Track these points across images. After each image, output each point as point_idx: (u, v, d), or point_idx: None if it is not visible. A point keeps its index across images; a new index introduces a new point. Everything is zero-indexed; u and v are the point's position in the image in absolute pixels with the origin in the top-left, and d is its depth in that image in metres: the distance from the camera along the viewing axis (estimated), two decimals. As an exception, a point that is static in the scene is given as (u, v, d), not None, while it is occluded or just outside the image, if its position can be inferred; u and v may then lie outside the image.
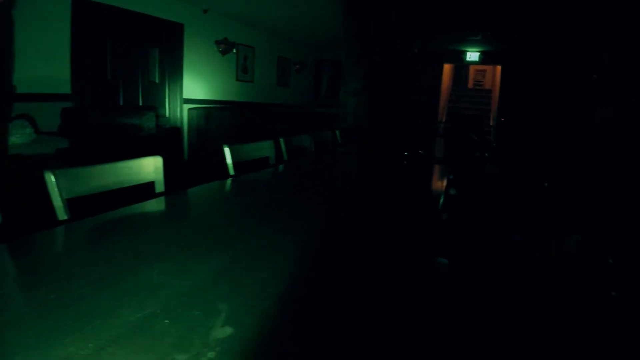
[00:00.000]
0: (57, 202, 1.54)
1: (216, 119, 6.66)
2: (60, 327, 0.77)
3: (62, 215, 1.54)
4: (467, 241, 1.61)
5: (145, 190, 1.88)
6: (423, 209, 1.85)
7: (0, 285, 0.96)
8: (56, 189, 1.54)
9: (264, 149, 2.72)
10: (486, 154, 3.58)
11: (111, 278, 0.96)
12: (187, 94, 6.84)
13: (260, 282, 0.96)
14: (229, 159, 2.34)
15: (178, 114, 6.65)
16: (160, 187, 1.90)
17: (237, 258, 1.09)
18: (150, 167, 1.89)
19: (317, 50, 11.10)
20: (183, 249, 1.15)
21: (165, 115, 6.40)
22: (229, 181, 2.13)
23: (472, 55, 12.02)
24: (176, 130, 6.59)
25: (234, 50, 7.80)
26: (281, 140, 3.03)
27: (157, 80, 6.25)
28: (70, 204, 1.57)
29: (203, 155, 6.48)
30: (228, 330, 0.78)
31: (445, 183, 2.57)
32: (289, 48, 10.01)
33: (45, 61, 4.95)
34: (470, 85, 18.18)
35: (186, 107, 6.84)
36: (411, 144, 4.79)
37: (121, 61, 5.72)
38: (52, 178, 1.54)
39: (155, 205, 1.66)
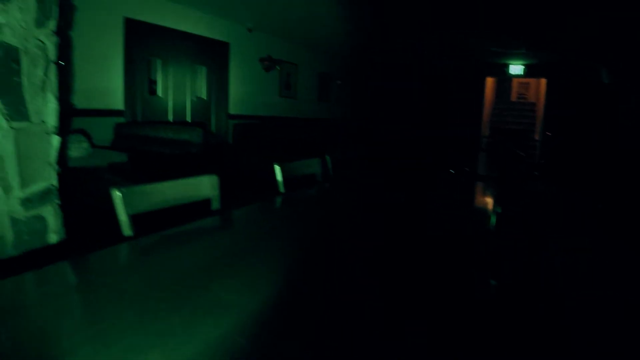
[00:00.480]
0: (123, 218, 1.62)
1: (260, 134, 6.81)
2: (142, 344, 0.81)
3: (127, 231, 1.61)
4: (516, 262, 1.59)
5: (201, 206, 1.95)
6: (472, 227, 1.83)
7: (77, 301, 1.02)
8: (122, 206, 1.62)
9: (311, 165, 2.76)
10: (535, 172, 3.51)
11: (184, 295, 1.01)
12: (232, 110, 7.03)
13: (335, 306, 0.98)
14: (279, 177, 2.40)
15: (224, 128, 6.84)
16: (216, 205, 1.97)
17: (305, 279, 1.13)
18: (207, 185, 1.96)
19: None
20: (250, 267, 1.19)
21: (211, 130, 6.59)
22: (282, 199, 2.18)
23: (516, 68, 11.79)
24: (222, 145, 6.76)
25: (277, 67, 7.97)
26: (327, 157, 3.07)
27: (204, 97, 6.47)
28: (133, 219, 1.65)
29: (248, 169, 6.61)
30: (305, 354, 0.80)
31: (493, 201, 2.54)
32: (330, 63, 10.13)
33: (100, 78, 5.22)
34: (513, 98, 17.79)
35: (231, 122, 7.03)
36: (456, 160, 4.75)
37: (171, 78, 5.95)
38: (119, 195, 1.62)
39: (216, 222, 1.73)
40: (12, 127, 1.94)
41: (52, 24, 2.20)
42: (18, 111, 1.97)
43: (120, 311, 0.93)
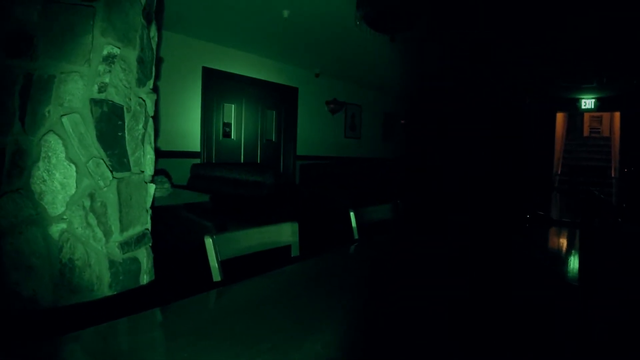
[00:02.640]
0: (214, 263, 1.74)
1: (326, 175, 6.95)
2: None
3: (216, 276, 1.72)
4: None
5: (281, 253, 2.04)
6: (554, 283, 1.78)
7: (171, 351, 1.10)
8: (213, 252, 1.74)
9: (384, 211, 2.80)
10: (619, 219, 3.33)
11: (281, 348, 1.07)
12: (299, 151, 7.26)
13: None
14: (354, 223, 2.46)
15: (291, 169, 7.06)
16: (295, 251, 2.05)
17: (396, 334, 1.16)
18: (288, 231, 2.06)
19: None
20: (341, 320, 1.24)
21: (280, 171, 6.83)
22: (357, 246, 2.23)
23: (588, 103, 11.33)
24: (291, 186, 6.96)
25: (343, 109, 8.17)
26: (398, 202, 3.10)
27: (273, 139, 6.74)
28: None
29: (316, 209, 6.74)
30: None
31: (576, 249, 2.44)
32: (394, 103, 10.24)
33: (180, 122, 5.60)
34: (586, 133, 17.02)
35: (299, 162, 7.24)
36: (528, 201, 4.60)
37: (243, 122, 6.27)
38: (211, 242, 1.74)
39: (300, 269, 1.80)
40: (115, 177, 2.14)
41: (150, 83, 2.44)
42: (121, 163, 2.18)
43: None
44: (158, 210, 4.62)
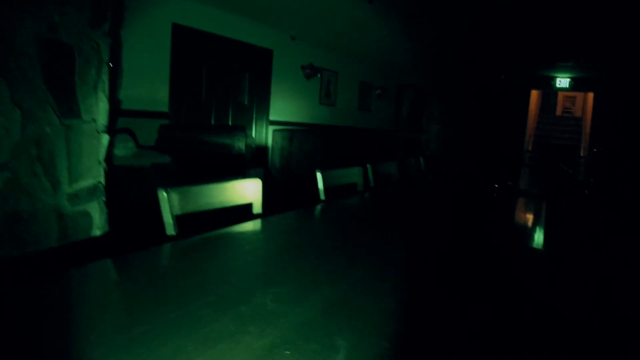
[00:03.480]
0: (168, 218, 1.63)
1: (299, 141, 6.83)
2: (186, 349, 0.79)
3: (170, 230, 1.62)
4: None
5: (242, 211, 1.95)
6: (517, 246, 1.75)
7: (117, 302, 1.02)
8: (167, 206, 1.63)
9: (352, 175, 2.73)
10: (585, 191, 3.35)
11: (228, 300, 0.99)
12: (272, 116, 7.09)
13: (379, 316, 0.94)
14: (320, 184, 2.37)
15: (264, 134, 6.90)
16: (258, 209, 1.96)
17: (349, 289, 1.09)
18: (251, 189, 1.96)
19: (399, 75, 11.08)
20: (295, 275, 1.16)
21: (252, 135, 6.66)
22: (323, 206, 2.15)
23: (562, 82, 11.42)
24: (262, 150, 6.82)
25: (318, 75, 7.99)
26: (369, 166, 3.03)
27: (246, 102, 6.54)
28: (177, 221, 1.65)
29: (286, 175, 6.64)
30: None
31: (541, 219, 2.43)
32: (370, 73, 10.08)
33: (147, 80, 5.36)
34: (558, 112, 17.27)
35: (271, 128, 7.08)
36: (498, 174, 4.61)
37: (214, 83, 6.04)
38: (165, 195, 1.63)
39: (258, 226, 1.71)
40: (63, 124, 1.99)
41: (106, 26, 2.26)
42: (70, 109, 2.02)
43: (164, 314, 0.92)
44: (122, 170, 4.47)
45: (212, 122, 6.05)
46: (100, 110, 2.19)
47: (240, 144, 4.76)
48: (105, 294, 1.06)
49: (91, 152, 2.10)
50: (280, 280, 1.13)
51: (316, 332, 0.87)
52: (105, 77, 2.25)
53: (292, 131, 7.01)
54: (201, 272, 1.18)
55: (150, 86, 5.42)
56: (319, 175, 2.38)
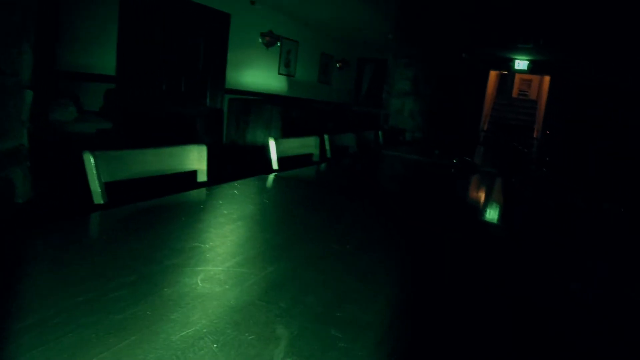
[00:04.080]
0: (95, 186, 1.43)
1: (256, 111, 6.59)
2: (90, 340, 0.64)
3: (98, 199, 1.43)
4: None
5: (187, 178, 1.77)
6: (472, 218, 1.67)
7: (20, 282, 0.84)
8: (94, 172, 1.43)
9: (309, 145, 2.58)
10: (544, 169, 3.35)
11: (151, 280, 0.84)
12: (228, 84, 6.79)
13: (329, 297, 0.81)
14: (274, 153, 2.22)
15: (218, 102, 6.60)
16: (202, 177, 1.79)
17: (297, 266, 0.95)
18: (195, 155, 1.78)
19: (361, 49, 10.91)
20: (235, 251, 1.02)
21: (206, 103, 6.35)
22: (275, 176, 1.99)
23: (521, 64, 11.58)
24: (216, 118, 6.53)
25: (278, 44, 7.71)
26: (326, 137, 2.89)
27: (200, 68, 6.21)
28: (109, 188, 1.47)
29: (241, 145, 6.42)
30: (289, 364, 0.63)
31: (497, 194, 2.38)
32: (332, 45, 9.86)
33: (93, 42, 4.96)
34: (514, 94, 17.66)
35: (227, 96, 6.79)
36: (456, 151, 4.58)
37: (166, 47, 5.69)
38: (92, 160, 1.43)
39: (200, 196, 1.55)
40: (-22, 77, 1.73)
41: (32, -34, 1.98)
42: (-14, 59, 1.76)
43: (71, 296, 0.75)
44: (62, 135, 4.14)
45: (163, 88, 5.71)
46: (25, 62, 1.93)
47: (191, 111, 4.50)
48: (5, 272, 0.87)
49: (11, 110, 1.85)
50: (218, 256, 0.98)
51: (253, 318, 0.73)
52: (31, 26, 1.98)
53: (248, 100, 6.76)
54: (125, 247, 1.01)
55: (96, 48, 5.03)
56: (272, 144, 2.21)
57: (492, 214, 1.86)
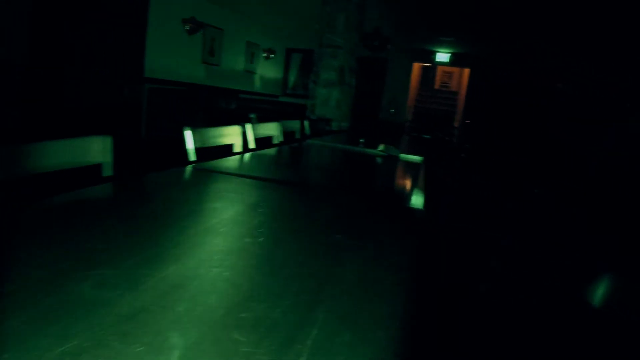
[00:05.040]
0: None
1: (177, 101, 6.32)
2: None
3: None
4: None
5: (93, 172, 1.63)
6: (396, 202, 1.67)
7: None
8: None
9: (229, 135, 2.48)
10: (462, 155, 3.48)
11: (30, 289, 0.73)
12: (148, 73, 6.44)
13: (236, 297, 0.75)
14: (189, 144, 2.10)
15: (136, 92, 6.25)
16: (108, 171, 1.65)
17: (201, 264, 0.88)
18: (98, 147, 1.63)
19: (288, 39, 10.82)
20: (130, 252, 0.92)
21: (122, 93, 5.99)
22: (191, 168, 1.89)
23: (443, 57, 12.04)
24: (133, 109, 6.19)
25: (202, 31, 7.43)
26: (248, 126, 2.80)
27: (115, 55, 5.83)
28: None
29: (161, 136, 6.13)
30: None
31: (421, 179, 2.43)
32: (259, 34, 9.69)
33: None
34: (437, 86, 18.35)
35: (147, 86, 6.45)
36: (382, 140, 4.66)
37: (78, 31, 5.28)
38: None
39: (102, 191, 1.42)
40: None
41: None
42: None
43: None
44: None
45: (73, 75, 5.31)
46: None
47: (109, 101, 4.22)
48: None
49: None
50: (113, 257, 0.88)
51: (145, 327, 0.66)
52: None
53: (170, 90, 6.46)
54: (6, 252, 0.89)
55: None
56: (187, 134, 2.10)
57: (411, 198, 1.88)
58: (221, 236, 1.05)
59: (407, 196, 2.02)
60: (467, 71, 12.76)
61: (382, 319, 0.74)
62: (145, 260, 0.88)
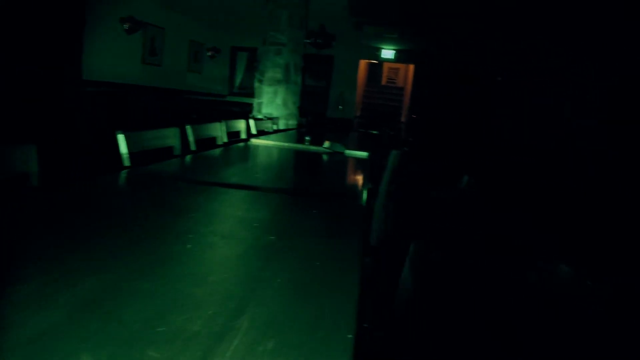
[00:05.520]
0: None
1: (117, 104, 6.09)
2: None
3: None
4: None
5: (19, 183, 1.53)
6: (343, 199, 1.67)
7: None
8: None
9: (167, 137, 2.40)
10: (405, 148, 3.54)
11: None
12: (86, 75, 6.17)
13: (146, 318, 0.71)
14: (123, 148, 2.02)
15: (75, 95, 5.97)
16: (34, 181, 1.55)
17: (122, 277, 0.83)
18: (21, 156, 1.53)
19: (234, 37, 10.66)
20: (41, 269, 0.86)
21: (60, 95, 5.70)
22: (124, 173, 1.81)
23: (388, 53, 12.23)
24: (73, 112, 5.91)
25: (141, 31, 7.19)
26: (188, 127, 2.73)
27: (52, 57, 5.54)
28: None
29: (99, 142, 5.89)
30: None
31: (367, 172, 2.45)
32: (203, 32, 9.49)
33: None
34: (383, 82, 18.65)
35: (86, 89, 6.17)
36: (330, 137, 4.68)
37: (9, 35, 4.97)
38: None
39: (25, 203, 1.33)
40: None
41: None
42: None
43: None
44: None
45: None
46: None
47: (44, 105, 4.00)
48: None
49: None
50: (21, 276, 0.82)
51: (52, 349, 0.61)
52: None
53: (109, 92, 6.21)
54: None
55: None
56: (120, 138, 2.01)
57: (352, 193, 1.88)
58: (146, 245, 1.01)
59: (348, 192, 2.03)
60: (412, 67, 13.03)
61: (307, 323, 0.73)
62: (60, 275, 0.83)
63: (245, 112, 8.89)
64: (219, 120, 3.49)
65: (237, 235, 1.12)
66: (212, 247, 1.02)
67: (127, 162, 2.00)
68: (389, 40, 11.15)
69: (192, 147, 2.72)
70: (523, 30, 8.22)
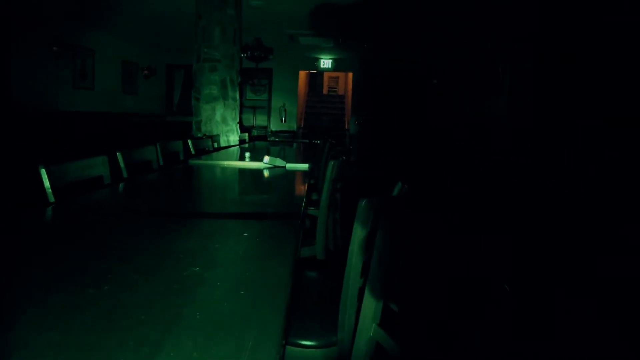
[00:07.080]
0: None
1: (49, 132, 5.81)
2: None
3: None
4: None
5: None
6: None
7: None
8: None
9: (95, 166, 2.31)
10: (344, 157, 3.58)
11: None
12: (14, 104, 5.83)
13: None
14: (46, 182, 1.91)
15: (1, 125, 5.64)
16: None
17: (22, 333, 0.78)
18: None
19: (168, 55, 10.45)
20: None
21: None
22: (47, 209, 1.71)
23: (326, 63, 12.40)
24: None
25: (70, 54, 6.91)
26: (118, 154, 2.63)
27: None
28: None
29: (27, 176, 5.58)
30: None
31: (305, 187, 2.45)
32: (136, 51, 9.24)
33: None
34: (324, 91, 18.87)
35: (13, 120, 5.83)
36: (270, 152, 4.66)
37: None
38: None
39: None
40: None
41: None
42: None
43: None
44: None
45: None
46: None
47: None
48: None
49: None
50: None
51: None
52: None
53: (36, 121, 5.92)
54: None
55: None
56: (43, 172, 1.91)
57: (288, 210, 1.87)
58: (59, 291, 0.95)
59: (286, 209, 2.02)
60: (350, 75, 13.27)
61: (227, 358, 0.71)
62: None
63: (186, 131, 8.73)
64: (157, 141, 3.40)
65: (160, 270, 1.08)
66: (131, 287, 0.98)
67: (51, 198, 1.89)
68: (325, 50, 11.30)
69: (124, 174, 2.62)
70: (452, 22, 8.52)
